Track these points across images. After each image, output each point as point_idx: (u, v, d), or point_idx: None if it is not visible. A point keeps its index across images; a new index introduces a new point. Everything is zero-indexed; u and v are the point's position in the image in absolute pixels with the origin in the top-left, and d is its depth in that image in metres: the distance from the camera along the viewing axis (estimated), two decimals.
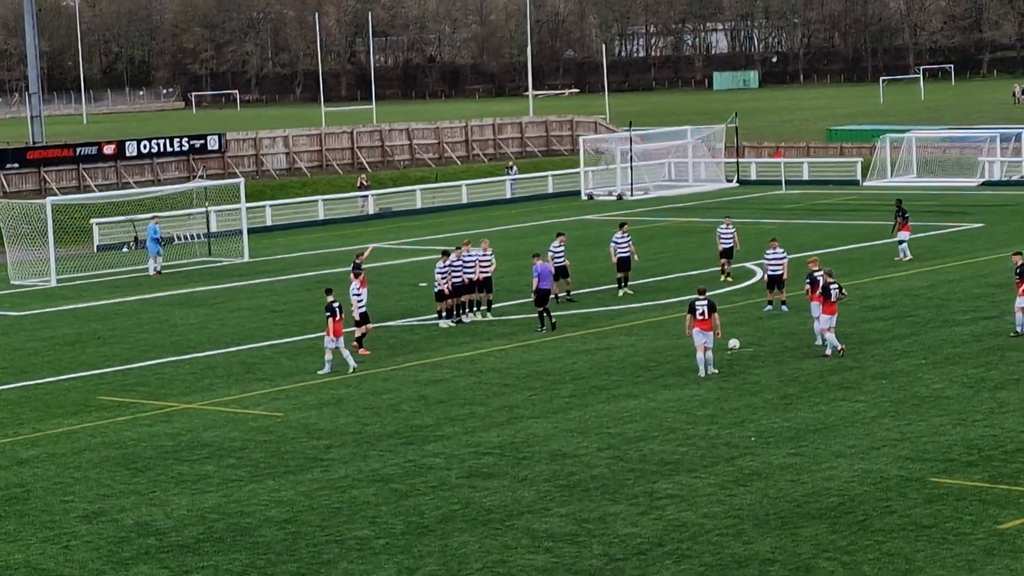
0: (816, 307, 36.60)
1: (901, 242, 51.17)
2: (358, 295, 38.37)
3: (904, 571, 21.17)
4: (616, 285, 46.40)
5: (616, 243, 46.19)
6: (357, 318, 38.37)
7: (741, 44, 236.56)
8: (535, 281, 40.62)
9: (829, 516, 23.57)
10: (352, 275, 42.25)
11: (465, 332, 40.74)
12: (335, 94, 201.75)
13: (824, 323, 35.59)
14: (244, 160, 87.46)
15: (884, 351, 35.81)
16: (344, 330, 36.46)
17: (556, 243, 44.91)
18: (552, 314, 40.79)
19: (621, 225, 47.87)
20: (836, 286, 35.60)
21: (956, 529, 22.71)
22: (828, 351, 35.45)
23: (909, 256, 50.83)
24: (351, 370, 35.86)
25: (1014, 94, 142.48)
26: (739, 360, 35.37)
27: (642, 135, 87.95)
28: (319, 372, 36.07)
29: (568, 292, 45.08)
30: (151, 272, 55.86)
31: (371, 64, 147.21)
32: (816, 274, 36.93)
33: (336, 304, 35.88)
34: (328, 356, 36.07)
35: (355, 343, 38.21)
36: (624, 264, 46.12)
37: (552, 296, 42.46)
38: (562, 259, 44.47)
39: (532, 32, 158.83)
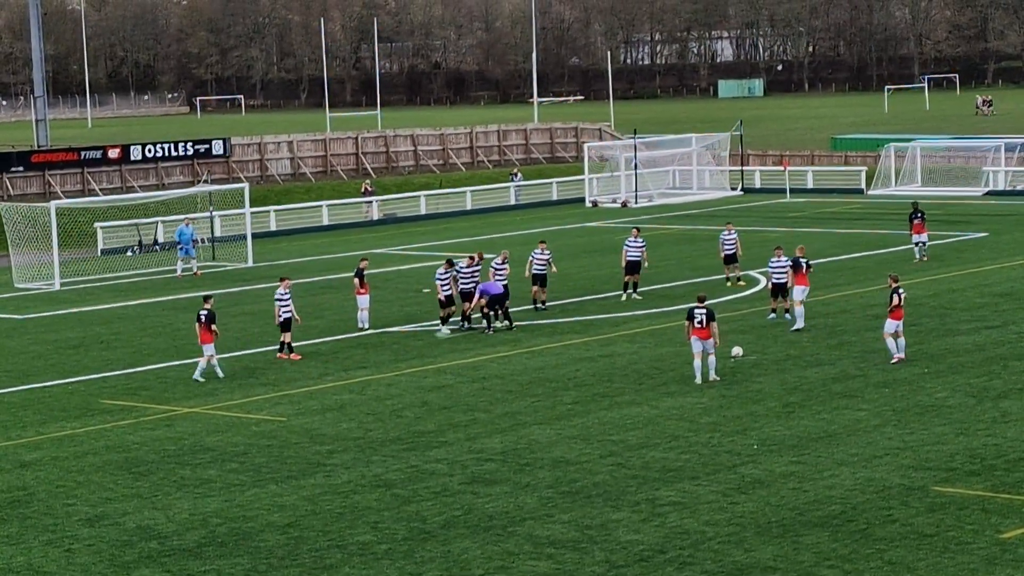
0: (799, 290, 40.21)
1: (916, 244, 52.79)
2: (282, 299, 38.41)
3: None
4: (622, 289, 46.45)
5: (628, 247, 46.35)
6: (280, 322, 38.48)
7: (746, 52, 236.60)
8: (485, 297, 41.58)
9: (831, 524, 23.58)
10: (355, 280, 42.38)
11: (468, 338, 40.75)
12: (340, 100, 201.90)
13: (890, 327, 35.52)
14: (249, 165, 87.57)
15: (887, 360, 35.78)
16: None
17: (538, 250, 44.81)
18: (509, 315, 41.76)
19: (635, 230, 48.02)
20: (901, 290, 35.52)
21: (958, 538, 22.71)
22: (902, 354, 35.44)
23: (918, 258, 52.24)
24: (195, 377, 36.01)
25: (976, 105, 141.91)
26: (742, 368, 35.38)
27: (647, 142, 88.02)
28: (219, 376, 36.19)
29: (543, 302, 44.70)
30: (179, 273, 56.21)
31: (376, 70, 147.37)
32: (801, 260, 40.54)
33: (204, 312, 36.03)
34: (212, 361, 36.16)
35: (284, 353, 38.50)
36: (633, 267, 46.24)
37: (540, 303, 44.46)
38: (544, 267, 44.34)
39: (537, 39, 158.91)
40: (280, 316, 38.53)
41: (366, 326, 42.19)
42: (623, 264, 46.56)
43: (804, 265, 40.62)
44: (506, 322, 41.87)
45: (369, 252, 55.75)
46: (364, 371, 36.84)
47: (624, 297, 46.12)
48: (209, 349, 36.10)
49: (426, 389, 34.58)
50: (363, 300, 42.29)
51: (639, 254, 46.27)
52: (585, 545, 23.01)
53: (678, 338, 38.38)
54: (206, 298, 37.10)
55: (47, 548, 23.76)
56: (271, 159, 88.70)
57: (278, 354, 38.74)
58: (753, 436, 29.19)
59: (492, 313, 41.42)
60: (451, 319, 41.78)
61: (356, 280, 42.25)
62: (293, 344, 38.81)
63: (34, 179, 78.70)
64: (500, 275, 41.99)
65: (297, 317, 38.88)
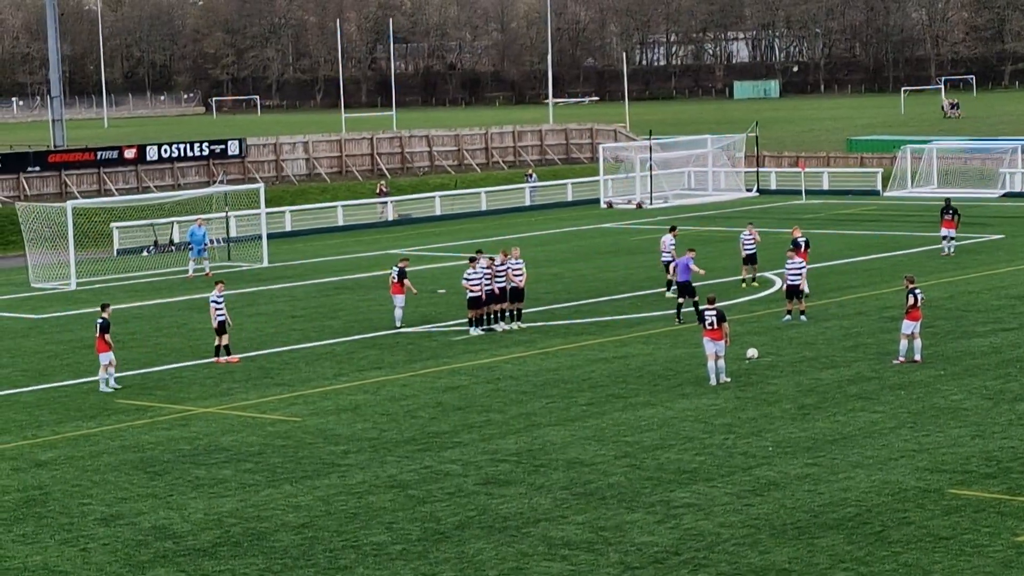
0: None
1: (944, 238, 54.44)
2: (217, 302, 38.32)
3: None
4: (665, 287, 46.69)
5: (673, 247, 46.78)
6: (216, 326, 38.38)
7: (762, 53, 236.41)
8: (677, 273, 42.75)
9: (846, 527, 23.53)
10: (394, 278, 42.23)
11: (483, 339, 40.72)
12: (355, 100, 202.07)
13: (907, 328, 35.49)
14: (264, 165, 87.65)
15: (894, 357, 35.69)
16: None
17: (496, 260, 41.93)
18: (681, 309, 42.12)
19: (671, 228, 48.55)
20: (918, 291, 35.49)
21: (974, 541, 22.66)
22: (918, 356, 35.38)
23: (946, 252, 53.90)
24: (101, 388, 35.62)
25: (943, 108, 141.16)
26: (757, 370, 35.33)
27: (662, 144, 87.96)
28: (107, 390, 35.65)
29: (512, 313, 42.12)
30: (190, 273, 56.32)
31: (392, 70, 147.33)
32: (799, 240, 44.14)
33: (99, 321, 35.71)
34: (109, 371, 35.70)
35: (224, 357, 38.37)
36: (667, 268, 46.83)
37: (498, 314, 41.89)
38: (518, 276, 41.76)
39: (553, 40, 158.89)
40: (215, 320, 38.47)
41: (399, 324, 42.08)
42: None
43: (804, 244, 44.23)
44: (518, 323, 41.78)
45: (384, 253, 55.76)
46: (379, 372, 36.85)
47: (669, 293, 46.19)
48: (104, 358, 35.65)
49: (440, 390, 34.58)
50: (399, 299, 42.24)
51: (669, 256, 46.49)
52: (599, 546, 22.99)
53: (693, 340, 38.32)
54: (103, 306, 36.48)
55: (63, 547, 23.80)
56: (286, 160, 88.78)
57: (215, 358, 38.54)
58: (768, 438, 29.15)
59: (684, 300, 41.81)
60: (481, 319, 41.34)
61: (395, 279, 42.04)
62: (230, 347, 38.74)
63: (51, 179, 78.85)
64: (516, 274, 41.82)
65: (230, 321, 38.88)
